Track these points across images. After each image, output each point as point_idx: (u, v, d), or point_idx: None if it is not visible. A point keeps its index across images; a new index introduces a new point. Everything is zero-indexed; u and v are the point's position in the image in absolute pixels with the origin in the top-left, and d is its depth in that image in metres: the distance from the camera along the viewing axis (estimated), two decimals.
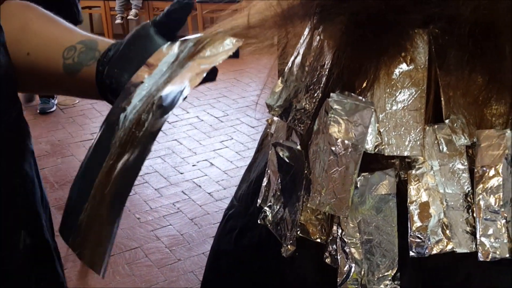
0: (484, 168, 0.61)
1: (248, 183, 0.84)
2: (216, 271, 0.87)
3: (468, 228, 0.62)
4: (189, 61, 0.66)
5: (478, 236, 0.61)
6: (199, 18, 5.38)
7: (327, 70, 0.64)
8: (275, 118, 0.77)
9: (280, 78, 0.72)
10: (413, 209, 0.62)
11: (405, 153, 0.61)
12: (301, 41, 0.69)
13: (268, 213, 0.75)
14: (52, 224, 0.84)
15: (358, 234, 0.63)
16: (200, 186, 3.08)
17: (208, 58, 0.65)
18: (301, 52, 0.69)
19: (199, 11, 5.34)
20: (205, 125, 3.94)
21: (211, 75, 0.65)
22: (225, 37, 0.66)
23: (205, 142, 3.65)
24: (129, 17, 5.62)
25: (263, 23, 0.65)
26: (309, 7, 0.63)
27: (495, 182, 0.61)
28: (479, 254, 0.61)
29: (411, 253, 0.62)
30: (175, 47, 0.69)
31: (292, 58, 0.70)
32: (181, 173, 3.24)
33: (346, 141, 0.61)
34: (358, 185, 0.62)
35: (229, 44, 0.65)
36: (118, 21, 5.61)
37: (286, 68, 0.71)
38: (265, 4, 0.66)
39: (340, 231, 0.65)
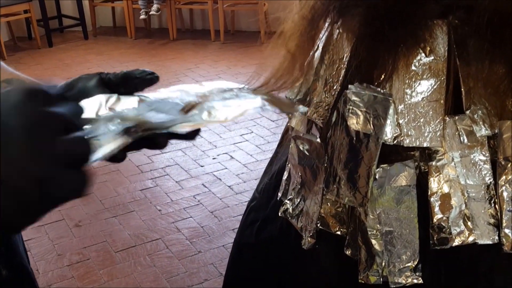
0: (507, 159, 0.61)
1: (270, 176, 0.85)
2: (238, 262, 0.88)
3: (490, 220, 0.61)
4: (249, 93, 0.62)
5: (502, 227, 0.61)
6: (220, 11, 5.39)
7: (346, 63, 0.64)
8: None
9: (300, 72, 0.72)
10: (434, 200, 0.62)
11: (425, 144, 0.61)
12: (321, 35, 0.69)
13: (288, 206, 0.75)
14: (25, 250, 0.77)
15: (378, 226, 0.63)
16: (220, 179, 3.10)
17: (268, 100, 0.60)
18: (321, 46, 0.69)
19: (220, 5, 5.34)
20: None
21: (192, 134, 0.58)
22: (293, 104, 0.65)
23: (225, 136, 3.66)
24: (151, 13, 5.63)
25: (299, 46, 0.68)
26: (329, 4, 0.63)
27: None
28: (504, 246, 0.61)
29: (432, 245, 0.62)
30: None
31: (312, 52, 0.70)
32: (202, 166, 3.26)
33: (364, 133, 0.61)
34: (377, 177, 0.62)
35: (293, 106, 0.64)
36: (142, 16, 5.63)
37: (306, 62, 0.71)
38: (293, 23, 0.68)
39: (360, 222, 0.65)
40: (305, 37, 0.67)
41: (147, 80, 0.61)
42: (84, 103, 0.59)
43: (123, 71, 0.62)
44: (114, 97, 0.61)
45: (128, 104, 0.60)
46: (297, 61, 0.69)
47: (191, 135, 0.58)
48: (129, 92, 0.61)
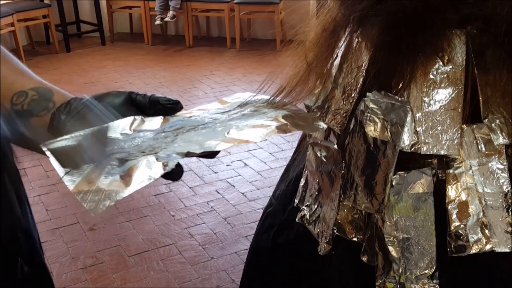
0: None
1: (287, 183, 0.85)
2: (254, 266, 0.89)
3: (508, 228, 0.61)
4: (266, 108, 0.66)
5: None
6: (237, 19, 5.42)
7: (364, 71, 0.65)
8: None
9: (319, 80, 0.73)
10: (452, 208, 0.62)
11: (442, 152, 0.61)
12: (340, 44, 0.70)
13: (305, 212, 0.76)
14: (42, 249, 0.78)
15: (395, 232, 0.64)
16: (233, 186, 3.10)
17: (289, 118, 0.63)
18: (339, 54, 0.70)
19: (237, 13, 5.38)
20: None
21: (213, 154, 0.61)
22: (312, 118, 0.68)
23: None
24: (166, 19, 5.67)
25: (317, 56, 0.70)
26: (349, 14, 0.64)
27: None
28: None
29: (450, 253, 0.62)
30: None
31: (331, 60, 0.71)
32: (215, 173, 3.27)
33: (382, 140, 0.61)
34: (394, 184, 0.63)
35: (312, 123, 0.67)
36: (157, 22, 5.68)
37: (325, 70, 0.72)
38: (315, 34, 0.70)
39: (377, 229, 0.65)
40: (324, 47, 0.68)
41: (170, 108, 0.65)
42: (112, 123, 0.62)
43: (151, 96, 0.66)
44: (138, 119, 0.64)
45: (151, 125, 0.64)
46: (313, 71, 0.70)
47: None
48: (155, 114, 0.65)
